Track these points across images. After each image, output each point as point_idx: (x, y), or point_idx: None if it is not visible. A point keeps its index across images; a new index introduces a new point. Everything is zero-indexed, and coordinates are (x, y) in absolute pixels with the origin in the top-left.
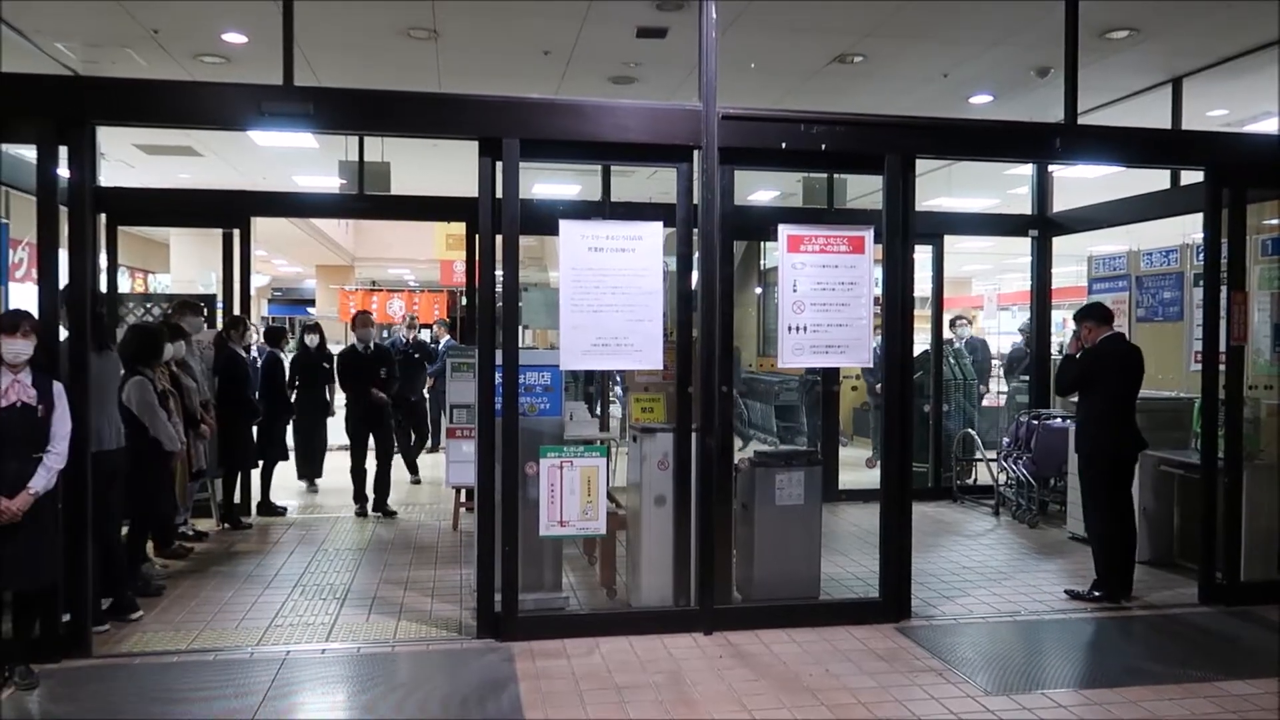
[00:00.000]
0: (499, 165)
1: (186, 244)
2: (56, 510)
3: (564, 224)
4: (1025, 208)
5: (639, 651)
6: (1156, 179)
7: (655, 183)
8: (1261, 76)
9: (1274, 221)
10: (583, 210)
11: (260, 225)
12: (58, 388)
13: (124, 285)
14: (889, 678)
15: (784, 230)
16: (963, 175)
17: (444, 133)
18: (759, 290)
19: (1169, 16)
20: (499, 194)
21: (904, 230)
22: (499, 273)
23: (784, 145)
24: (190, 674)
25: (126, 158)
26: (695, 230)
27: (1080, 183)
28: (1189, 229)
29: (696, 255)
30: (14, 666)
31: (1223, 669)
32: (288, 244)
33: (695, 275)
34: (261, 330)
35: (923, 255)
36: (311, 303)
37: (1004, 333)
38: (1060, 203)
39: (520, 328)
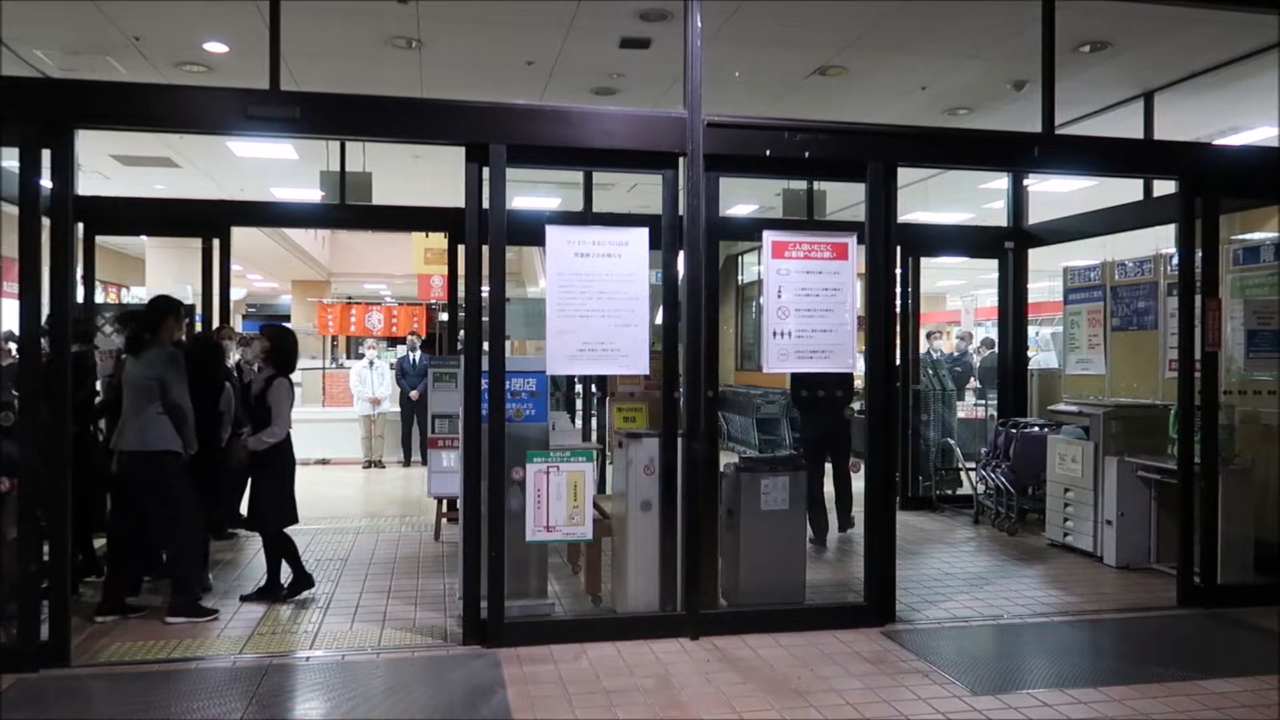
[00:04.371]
0: (486, 171)
1: (163, 257)
2: None
3: (551, 229)
4: (1000, 222)
5: (626, 656)
6: (1128, 192)
7: (636, 195)
8: (1229, 91)
9: (1246, 236)
10: (565, 221)
11: (236, 239)
12: None
13: (98, 299)
14: (876, 679)
15: (769, 236)
16: (939, 188)
17: (431, 138)
18: (737, 304)
19: (1140, 32)
20: (485, 200)
21: (886, 237)
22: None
23: (768, 153)
24: (172, 683)
25: (103, 169)
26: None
27: (1052, 197)
28: (1162, 239)
29: (681, 261)
30: None
31: (1203, 668)
32: (263, 259)
33: (681, 280)
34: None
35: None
36: (287, 318)
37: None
38: (1034, 217)
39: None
